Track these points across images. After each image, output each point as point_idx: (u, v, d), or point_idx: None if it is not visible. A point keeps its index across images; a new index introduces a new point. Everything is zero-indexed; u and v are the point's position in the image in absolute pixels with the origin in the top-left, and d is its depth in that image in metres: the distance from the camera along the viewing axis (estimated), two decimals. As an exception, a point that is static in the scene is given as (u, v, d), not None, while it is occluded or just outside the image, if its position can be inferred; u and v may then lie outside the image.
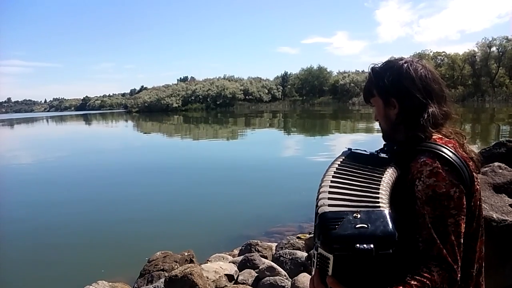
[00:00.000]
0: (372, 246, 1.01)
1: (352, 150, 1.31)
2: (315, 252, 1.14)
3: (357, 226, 1.06)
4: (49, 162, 17.61)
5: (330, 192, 1.15)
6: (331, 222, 1.08)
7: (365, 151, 1.31)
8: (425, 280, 1.08)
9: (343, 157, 1.28)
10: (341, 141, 19.73)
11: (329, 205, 1.12)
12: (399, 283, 1.08)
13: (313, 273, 1.18)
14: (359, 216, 1.08)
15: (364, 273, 1.05)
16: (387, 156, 1.26)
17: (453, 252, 1.12)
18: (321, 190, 1.18)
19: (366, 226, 1.05)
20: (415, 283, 1.08)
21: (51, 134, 39.87)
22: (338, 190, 1.16)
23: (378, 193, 1.14)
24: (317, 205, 1.16)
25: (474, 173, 1.25)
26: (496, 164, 3.57)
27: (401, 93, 1.31)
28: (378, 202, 1.12)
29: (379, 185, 1.16)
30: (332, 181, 1.19)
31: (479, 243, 1.27)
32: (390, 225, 1.06)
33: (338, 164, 1.25)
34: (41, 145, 27.10)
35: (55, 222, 8.42)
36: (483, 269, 1.30)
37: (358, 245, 1.01)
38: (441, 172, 1.16)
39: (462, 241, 1.15)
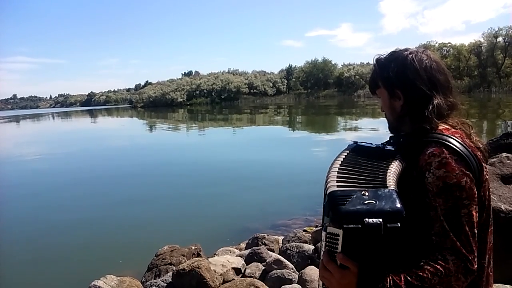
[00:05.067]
0: (380, 220, 1.03)
1: (358, 143, 1.31)
2: (324, 233, 1.14)
3: (366, 202, 1.07)
4: (56, 158, 17.68)
5: (338, 177, 1.17)
6: (340, 199, 1.09)
7: (371, 143, 1.31)
8: (439, 267, 1.08)
9: (349, 150, 1.29)
10: (347, 135, 19.69)
11: (338, 186, 1.14)
12: (412, 267, 1.10)
13: (321, 256, 1.18)
14: (367, 194, 1.09)
15: (373, 247, 1.06)
16: (393, 149, 1.26)
17: (468, 243, 1.11)
18: (329, 175, 1.19)
19: (374, 202, 1.07)
20: (429, 267, 1.09)
21: (57, 130, 39.99)
22: (346, 175, 1.18)
23: (385, 176, 1.15)
24: (325, 187, 1.17)
25: (482, 163, 1.24)
26: (504, 154, 3.55)
27: (406, 85, 1.30)
28: (386, 182, 1.13)
29: (387, 171, 1.17)
30: (340, 169, 1.20)
31: (488, 233, 1.27)
32: (398, 202, 1.08)
33: (345, 156, 1.26)
34: (48, 140, 27.18)
35: (62, 218, 8.46)
36: (491, 260, 1.29)
37: (367, 219, 1.03)
38: (450, 162, 1.15)
39: (476, 231, 1.14)
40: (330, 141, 17.61)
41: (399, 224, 1.04)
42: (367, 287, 1.08)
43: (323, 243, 1.16)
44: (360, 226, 1.03)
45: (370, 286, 1.08)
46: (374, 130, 20.19)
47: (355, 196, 1.09)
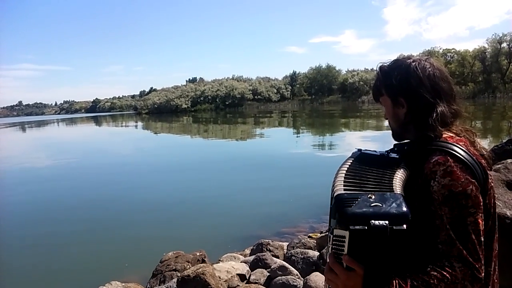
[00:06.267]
0: (387, 222, 1.04)
1: (362, 151, 1.32)
2: (330, 236, 1.15)
3: (372, 204, 1.08)
4: (61, 163, 17.72)
5: (345, 182, 1.19)
6: (346, 201, 1.11)
7: (375, 151, 1.32)
8: (446, 273, 1.08)
9: (354, 158, 1.30)
10: (352, 135, 19.67)
11: (344, 189, 1.16)
12: (418, 272, 1.10)
13: (328, 259, 1.18)
14: (373, 197, 1.11)
15: (379, 250, 1.07)
16: (397, 156, 1.27)
17: (474, 251, 1.11)
18: (335, 180, 1.21)
19: (380, 205, 1.08)
20: (436, 273, 1.09)
21: (63, 136, 40.15)
22: (352, 180, 1.19)
23: (392, 182, 1.17)
24: (332, 191, 1.19)
25: (487, 170, 1.24)
26: (509, 161, 3.54)
27: (409, 93, 1.31)
28: (392, 187, 1.15)
29: (393, 177, 1.19)
30: (346, 175, 1.21)
31: (494, 240, 1.27)
32: (404, 205, 1.09)
33: (350, 164, 1.27)
34: (53, 147, 27.28)
35: (67, 223, 8.49)
36: (497, 267, 1.29)
37: (373, 221, 1.04)
38: (455, 171, 1.15)
39: (482, 239, 1.14)
40: (334, 145, 17.62)
41: (405, 226, 1.05)
42: None
43: (330, 246, 1.17)
44: (366, 227, 1.04)
45: None
46: (378, 130, 20.22)
47: (361, 199, 1.10)
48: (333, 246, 1.14)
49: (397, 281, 1.08)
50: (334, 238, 1.13)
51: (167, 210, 9.07)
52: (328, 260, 1.18)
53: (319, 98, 78.66)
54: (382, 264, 1.08)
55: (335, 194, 1.16)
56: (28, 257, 6.72)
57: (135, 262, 6.15)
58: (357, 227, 1.05)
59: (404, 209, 1.08)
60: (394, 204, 1.08)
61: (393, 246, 1.06)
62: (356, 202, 1.10)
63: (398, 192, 1.13)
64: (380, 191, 1.14)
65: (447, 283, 1.08)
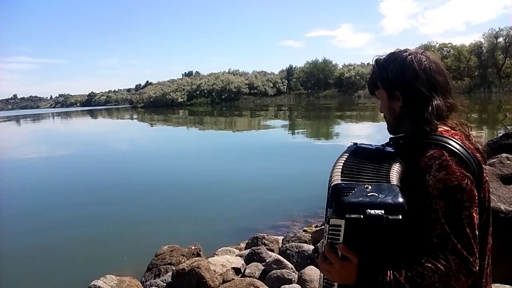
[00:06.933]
0: (382, 212, 1.04)
1: (358, 145, 1.32)
2: (327, 225, 1.16)
3: (369, 194, 1.09)
4: (57, 158, 17.68)
5: (342, 173, 1.19)
6: (343, 190, 1.12)
7: (370, 145, 1.32)
8: (440, 265, 1.09)
9: (349, 152, 1.30)
10: (348, 132, 19.70)
11: (342, 180, 1.16)
12: (413, 263, 1.10)
13: (323, 249, 1.19)
14: (370, 187, 1.12)
15: (374, 239, 1.07)
16: (393, 150, 1.27)
17: (469, 245, 1.12)
18: (333, 171, 1.22)
19: (376, 195, 1.09)
20: (430, 265, 1.09)
21: (61, 131, 40.01)
22: (349, 172, 1.20)
23: (389, 173, 1.17)
24: (329, 182, 1.19)
25: (482, 164, 1.24)
26: (503, 155, 3.55)
27: (405, 86, 1.30)
28: (389, 178, 1.15)
29: (390, 169, 1.19)
30: (343, 168, 1.22)
31: (488, 234, 1.27)
32: (400, 196, 1.09)
33: (346, 157, 1.27)
34: (50, 140, 27.18)
35: (61, 217, 8.47)
36: (490, 260, 1.29)
37: (369, 210, 1.05)
38: (451, 165, 1.15)
39: (477, 233, 1.15)
40: (330, 137, 17.64)
41: (400, 216, 1.05)
42: (367, 279, 1.09)
43: (326, 235, 1.17)
44: (362, 216, 1.05)
45: (370, 278, 1.09)
46: (374, 122, 20.27)
47: (358, 188, 1.11)
48: (329, 236, 1.14)
49: (391, 272, 1.08)
50: (330, 227, 1.14)
51: (161, 203, 9.06)
52: (323, 249, 1.18)
53: (316, 92, 78.71)
54: (377, 254, 1.09)
55: (332, 184, 1.16)
56: (23, 249, 6.69)
57: (130, 256, 6.15)
58: (353, 215, 1.06)
59: (400, 199, 1.08)
60: (390, 195, 1.09)
61: (388, 236, 1.06)
62: (353, 191, 1.10)
63: (395, 183, 1.14)
64: (377, 182, 1.14)
65: (441, 274, 1.08)
